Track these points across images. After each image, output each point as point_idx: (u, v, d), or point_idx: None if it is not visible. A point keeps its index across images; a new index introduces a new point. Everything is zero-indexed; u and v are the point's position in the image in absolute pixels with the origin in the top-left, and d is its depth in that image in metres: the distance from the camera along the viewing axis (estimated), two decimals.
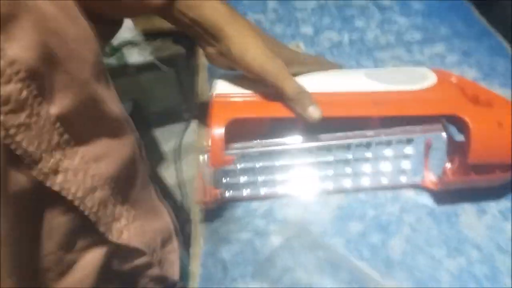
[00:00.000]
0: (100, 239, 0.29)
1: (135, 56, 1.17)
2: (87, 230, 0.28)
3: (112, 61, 1.16)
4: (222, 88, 0.40)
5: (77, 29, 0.26)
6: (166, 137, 1.23)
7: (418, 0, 0.59)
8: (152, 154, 1.03)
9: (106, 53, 1.14)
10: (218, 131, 0.35)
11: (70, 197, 0.25)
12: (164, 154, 1.21)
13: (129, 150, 0.33)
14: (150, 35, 1.18)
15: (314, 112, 0.35)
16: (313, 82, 0.39)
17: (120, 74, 1.17)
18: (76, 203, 0.25)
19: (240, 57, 0.36)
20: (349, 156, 0.38)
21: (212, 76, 0.51)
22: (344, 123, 0.38)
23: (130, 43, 1.16)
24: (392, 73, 0.42)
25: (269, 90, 0.37)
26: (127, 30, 1.13)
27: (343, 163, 0.39)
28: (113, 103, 0.31)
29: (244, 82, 0.39)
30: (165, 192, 1.08)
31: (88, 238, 0.28)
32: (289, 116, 0.36)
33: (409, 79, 0.39)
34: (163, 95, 1.21)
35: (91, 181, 0.27)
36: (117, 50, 1.15)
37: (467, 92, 0.39)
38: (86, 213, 0.26)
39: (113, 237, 0.30)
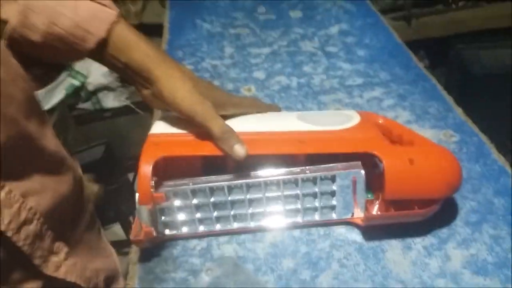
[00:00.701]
0: (36, 272, 0.30)
1: (111, 101, 1.20)
2: (22, 262, 0.29)
3: (87, 105, 1.19)
4: (158, 128, 0.41)
5: (6, 70, 0.28)
6: None
7: (362, 48, 0.63)
8: (124, 197, 1.03)
9: (81, 97, 1.17)
10: (146, 168, 0.36)
11: (2, 228, 0.26)
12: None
13: (67, 187, 0.34)
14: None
15: (239, 150, 0.37)
16: (244, 123, 0.41)
17: (95, 118, 1.19)
18: (9, 234, 0.26)
19: (171, 98, 0.38)
20: (280, 193, 0.39)
21: None
22: (274, 163, 0.39)
23: (106, 89, 1.19)
24: (322, 115, 0.45)
25: (200, 130, 0.39)
26: (103, 75, 1.16)
27: (275, 199, 0.40)
28: (48, 140, 0.33)
29: (180, 123, 0.41)
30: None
31: (24, 271, 0.29)
32: (218, 154, 0.38)
33: (334, 121, 0.41)
34: (138, 139, 1.22)
35: (26, 214, 0.28)
36: (92, 95, 1.18)
37: (393, 133, 0.42)
38: (20, 244, 0.27)
39: (49, 270, 0.30)
